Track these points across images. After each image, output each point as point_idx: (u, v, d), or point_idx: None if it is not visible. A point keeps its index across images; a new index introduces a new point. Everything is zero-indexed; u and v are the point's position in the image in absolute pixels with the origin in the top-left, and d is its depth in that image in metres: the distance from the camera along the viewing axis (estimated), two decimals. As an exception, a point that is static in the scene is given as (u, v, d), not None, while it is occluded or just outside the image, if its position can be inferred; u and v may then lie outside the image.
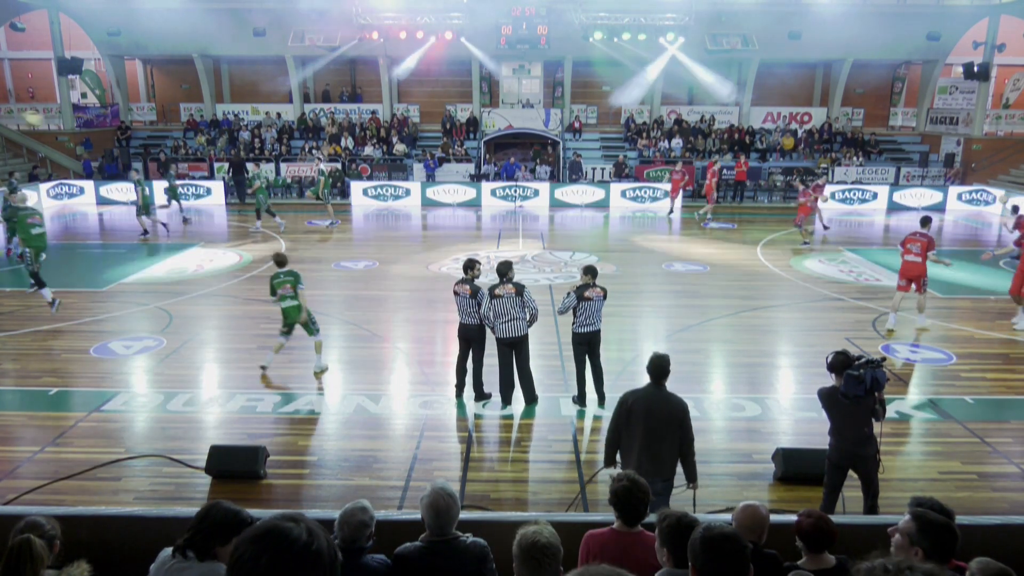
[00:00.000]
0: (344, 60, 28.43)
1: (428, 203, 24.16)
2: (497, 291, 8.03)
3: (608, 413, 8.08)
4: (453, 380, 8.58)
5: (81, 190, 24.38)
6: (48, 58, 26.91)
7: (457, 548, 3.49)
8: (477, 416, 8.15)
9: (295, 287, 9.15)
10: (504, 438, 7.83)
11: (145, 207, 17.91)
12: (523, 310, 8.05)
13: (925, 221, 11.18)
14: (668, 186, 24.52)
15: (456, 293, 8.29)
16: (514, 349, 8.17)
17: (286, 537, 1.51)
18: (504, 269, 8.17)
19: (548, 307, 11.42)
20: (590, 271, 8.25)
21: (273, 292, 9.19)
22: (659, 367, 5.43)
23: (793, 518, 4.49)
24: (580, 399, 8.33)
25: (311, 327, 9.38)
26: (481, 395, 8.47)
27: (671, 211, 22.52)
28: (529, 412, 8.21)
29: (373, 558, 3.53)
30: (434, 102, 29.01)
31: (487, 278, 10.13)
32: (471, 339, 8.35)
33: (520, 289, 8.05)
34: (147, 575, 3.08)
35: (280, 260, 9.35)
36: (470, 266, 8.35)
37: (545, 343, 10.10)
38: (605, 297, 8.14)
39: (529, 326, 8.23)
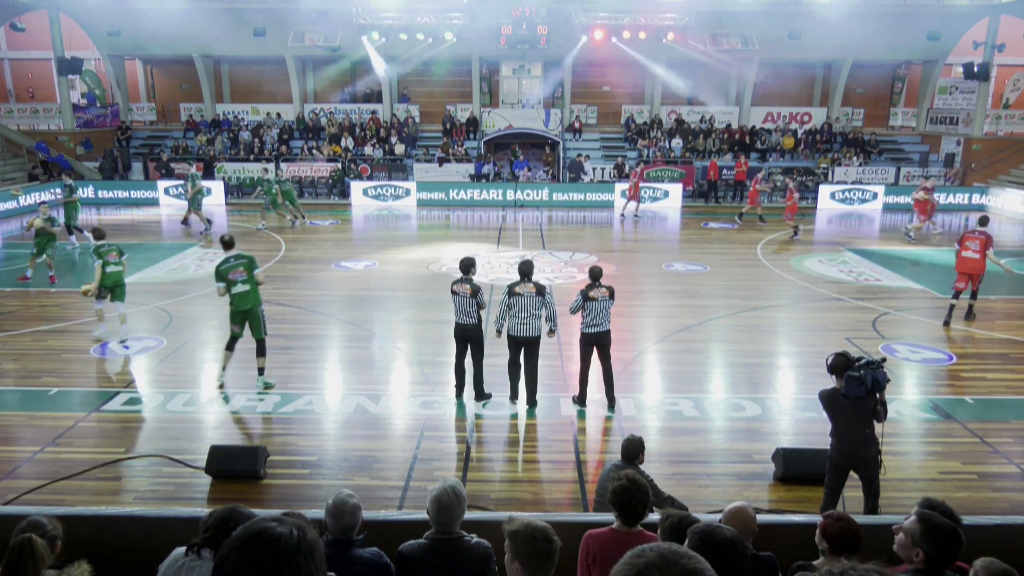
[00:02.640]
0: (344, 60, 28.44)
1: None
2: (517, 289, 8.04)
3: (615, 415, 8.11)
4: (453, 381, 8.58)
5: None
6: (48, 58, 26.91)
7: (461, 548, 3.49)
8: (477, 416, 8.15)
9: (249, 271, 8.60)
10: (504, 438, 7.83)
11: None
12: (542, 310, 8.05)
13: (984, 220, 11.55)
14: (667, 186, 24.59)
15: (455, 292, 8.26)
16: (524, 349, 8.15)
17: (278, 537, 1.52)
18: (527, 268, 8.19)
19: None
20: (591, 272, 8.25)
21: (222, 279, 8.54)
22: (626, 448, 5.41)
23: (793, 519, 4.49)
24: (581, 399, 8.32)
25: (261, 322, 8.67)
26: (482, 395, 8.47)
27: (623, 212, 22.11)
28: (530, 412, 8.21)
29: (365, 550, 3.53)
30: (434, 102, 29.02)
31: (487, 278, 10.09)
32: (468, 339, 8.33)
33: (541, 289, 8.05)
34: (148, 575, 3.07)
35: (228, 242, 8.81)
36: (470, 265, 8.35)
37: (546, 343, 10.05)
38: (612, 297, 8.10)
39: (552, 330, 8.17)
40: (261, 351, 8.76)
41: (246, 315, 8.64)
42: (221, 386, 8.76)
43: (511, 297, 8.03)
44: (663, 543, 1.52)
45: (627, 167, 25.72)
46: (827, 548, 3.51)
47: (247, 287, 8.56)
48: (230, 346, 8.73)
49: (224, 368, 8.83)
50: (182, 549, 3.01)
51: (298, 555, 1.50)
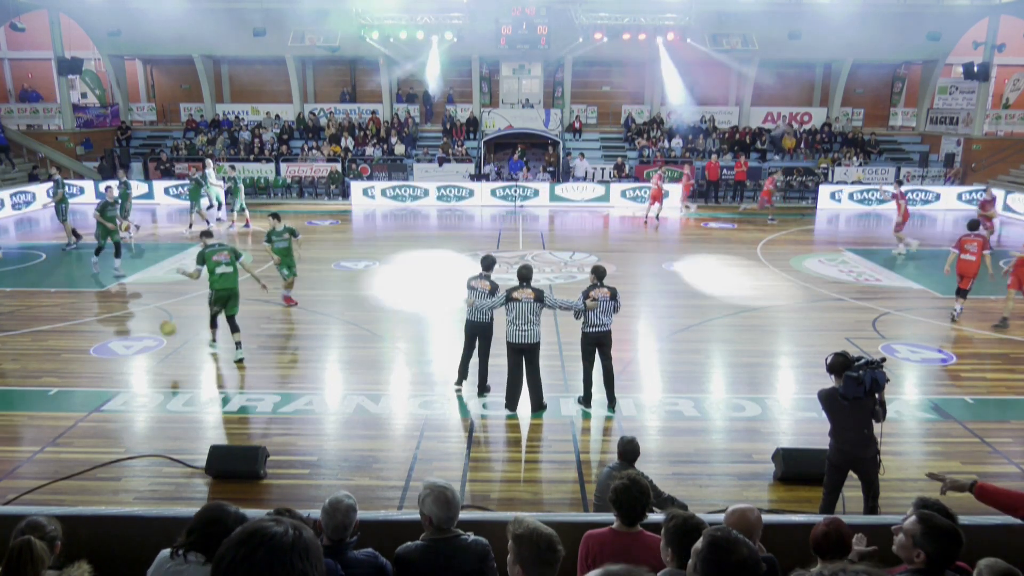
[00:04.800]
0: (344, 60, 28.44)
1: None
2: (515, 294, 7.91)
3: (615, 415, 8.10)
4: (453, 379, 8.57)
5: (81, 190, 24.36)
6: (48, 58, 26.89)
7: (459, 546, 3.49)
8: (478, 416, 8.15)
9: (234, 256, 9.64)
10: (505, 438, 7.83)
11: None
12: (539, 316, 7.91)
13: (975, 224, 11.73)
14: (668, 186, 24.52)
15: (472, 288, 8.29)
16: (524, 356, 8.06)
17: (273, 535, 1.54)
18: (526, 273, 8.04)
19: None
20: (595, 271, 8.23)
21: (204, 262, 9.51)
22: (624, 449, 5.39)
23: (793, 518, 4.49)
24: (586, 400, 8.30)
25: (238, 301, 9.70)
26: (483, 388, 8.49)
27: (656, 216, 21.23)
28: (535, 415, 8.18)
29: (360, 551, 3.53)
30: (434, 102, 29.00)
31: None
32: (478, 334, 8.37)
33: (540, 295, 7.90)
34: None
35: (207, 232, 10.03)
36: (492, 263, 8.41)
37: (546, 343, 10.05)
38: (613, 297, 8.06)
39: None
40: (236, 327, 9.69)
41: (229, 295, 9.60)
42: (213, 340, 9.91)
43: (509, 302, 7.94)
44: (623, 568, 1.50)
45: (627, 167, 25.73)
46: (815, 554, 3.52)
47: (230, 269, 9.57)
48: (213, 323, 9.79)
49: (215, 340, 9.90)
50: (167, 552, 3.00)
51: (292, 554, 1.53)
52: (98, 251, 14.30)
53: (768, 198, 21.07)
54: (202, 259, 9.48)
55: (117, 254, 14.24)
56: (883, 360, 5.55)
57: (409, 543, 3.55)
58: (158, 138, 28.20)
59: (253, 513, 3.31)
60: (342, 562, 3.42)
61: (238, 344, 9.64)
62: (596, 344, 8.13)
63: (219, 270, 9.46)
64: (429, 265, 15.38)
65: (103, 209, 14.03)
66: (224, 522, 2.94)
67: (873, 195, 24.10)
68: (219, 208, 20.26)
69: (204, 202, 19.53)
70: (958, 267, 11.53)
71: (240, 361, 9.54)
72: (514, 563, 2.90)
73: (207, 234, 9.98)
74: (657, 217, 21.16)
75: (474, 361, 8.61)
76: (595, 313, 8.01)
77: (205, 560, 2.89)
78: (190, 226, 18.86)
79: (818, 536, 3.54)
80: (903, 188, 17.98)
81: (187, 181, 20.29)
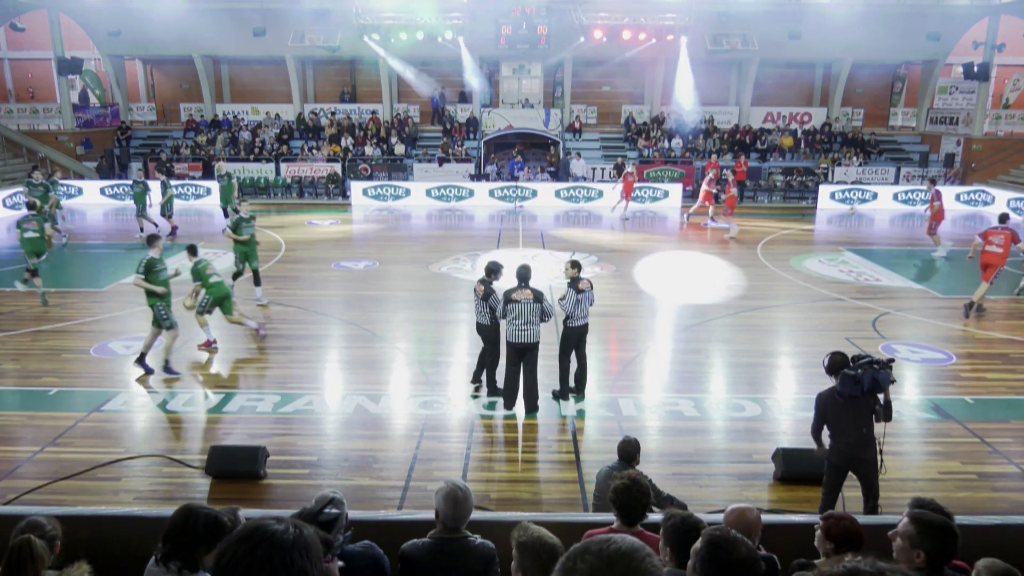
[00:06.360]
0: (344, 60, 28.44)
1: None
2: (515, 295, 7.89)
3: (616, 416, 8.11)
4: (452, 379, 8.56)
5: (80, 190, 24.38)
6: (48, 58, 26.90)
7: (466, 547, 3.48)
8: (478, 416, 8.14)
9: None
10: (504, 438, 7.83)
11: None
12: (539, 317, 7.92)
13: (1004, 217, 12.13)
14: (668, 186, 24.57)
15: (474, 291, 8.41)
16: (523, 356, 8.05)
17: (273, 533, 1.56)
18: (524, 273, 8.02)
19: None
20: (574, 265, 8.29)
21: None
22: (623, 450, 5.37)
23: (793, 519, 4.49)
24: (563, 394, 8.40)
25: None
26: (494, 391, 8.48)
27: (621, 212, 22.13)
28: (529, 416, 8.19)
29: (357, 544, 3.52)
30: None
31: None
32: (484, 338, 8.41)
33: (539, 296, 7.90)
34: None
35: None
36: (493, 270, 8.35)
37: (545, 343, 10.04)
38: (591, 287, 8.24)
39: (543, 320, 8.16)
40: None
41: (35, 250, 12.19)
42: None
43: (508, 304, 7.92)
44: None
45: (628, 166, 25.73)
46: (832, 548, 3.48)
47: (36, 234, 12.30)
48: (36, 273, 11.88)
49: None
50: (153, 559, 3.01)
51: (293, 551, 1.54)
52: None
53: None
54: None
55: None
56: (891, 361, 5.54)
57: (416, 540, 3.54)
58: (158, 138, 28.20)
59: (248, 513, 3.31)
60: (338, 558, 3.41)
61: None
62: (580, 337, 8.23)
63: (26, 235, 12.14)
64: (428, 265, 15.37)
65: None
66: (193, 528, 2.95)
67: (867, 195, 24.18)
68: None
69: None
70: (983, 257, 11.76)
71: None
72: (517, 570, 2.90)
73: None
74: (713, 218, 20.03)
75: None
76: (581, 306, 8.08)
77: (180, 567, 2.89)
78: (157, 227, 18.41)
79: (840, 533, 3.47)
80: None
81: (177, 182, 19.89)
